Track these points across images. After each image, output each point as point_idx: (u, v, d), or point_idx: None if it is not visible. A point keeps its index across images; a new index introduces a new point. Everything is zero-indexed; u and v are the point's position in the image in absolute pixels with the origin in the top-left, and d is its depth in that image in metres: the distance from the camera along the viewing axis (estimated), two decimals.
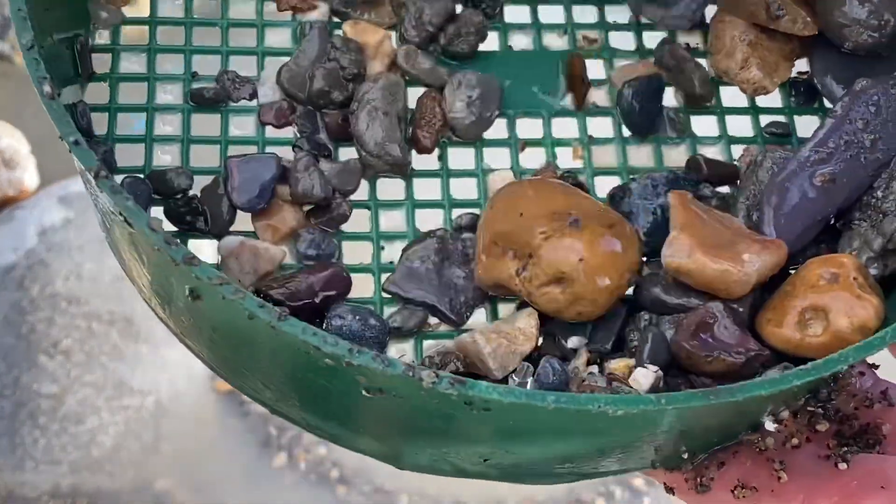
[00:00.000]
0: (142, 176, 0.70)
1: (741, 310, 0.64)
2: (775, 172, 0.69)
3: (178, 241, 0.58)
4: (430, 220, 0.72)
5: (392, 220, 0.71)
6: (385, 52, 0.74)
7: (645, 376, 0.61)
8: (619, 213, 0.68)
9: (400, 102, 0.72)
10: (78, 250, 1.35)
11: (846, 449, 0.59)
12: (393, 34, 0.76)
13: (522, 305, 0.66)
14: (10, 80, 1.49)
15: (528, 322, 0.63)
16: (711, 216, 0.67)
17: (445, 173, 0.73)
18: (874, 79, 0.70)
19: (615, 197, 0.70)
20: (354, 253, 0.70)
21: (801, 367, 0.56)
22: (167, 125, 0.73)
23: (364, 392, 0.54)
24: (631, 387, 0.60)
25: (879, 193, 0.68)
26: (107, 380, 1.33)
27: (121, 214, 0.56)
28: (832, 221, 0.69)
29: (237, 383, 0.64)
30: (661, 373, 0.61)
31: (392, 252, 0.70)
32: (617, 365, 0.62)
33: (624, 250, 0.63)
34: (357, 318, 0.64)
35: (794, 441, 0.60)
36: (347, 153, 0.73)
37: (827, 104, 0.77)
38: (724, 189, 0.73)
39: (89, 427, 1.31)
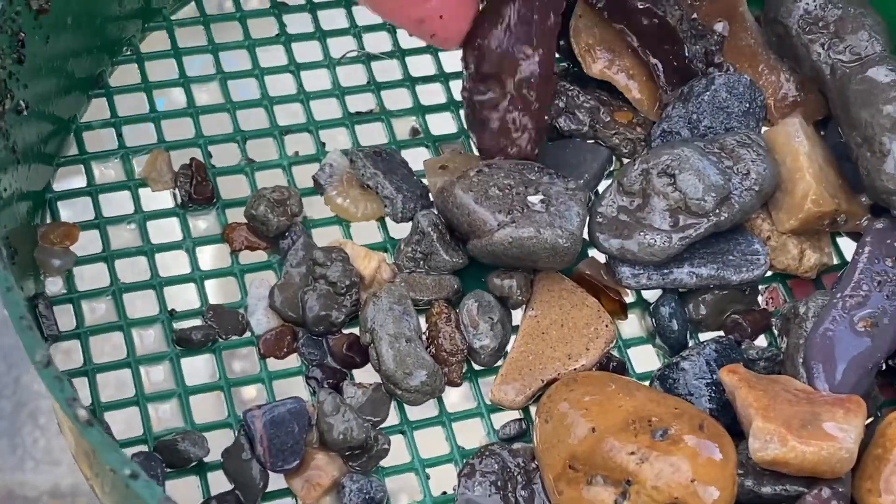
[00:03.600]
0: (147, 448, 0.61)
1: (842, 489, 0.60)
2: (816, 324, 0.65)
3: None
4: (469, 433, 0.65)
5: (430, 441, 0.65)
6: (371, 254, 0.68)
7: None
8: (679, 396, 0.64)
9: (413, 317, 0.65)
10: None
11: None
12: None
13: None
14: None
15: None
16: (775, 386, 0.62)
17: (473, 375, 0.66)
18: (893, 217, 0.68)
19: (666, 379, 0.65)
20: (399, 487, 0.63)
21: None
22: (156, 376, 0.64)
23: None
24: None
25: None
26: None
27: None
28: (884, 366, 0.66)
29: None
30: None
31: (440, 477, 0.63)
32: None
33: (724, 452, 0.58)
34: None
35: None
36: (362, 371, 0.65)
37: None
38: (762, 340, 0.69)
39: None
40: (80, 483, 1.14)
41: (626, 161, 0.73)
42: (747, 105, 0.72)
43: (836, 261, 0.72)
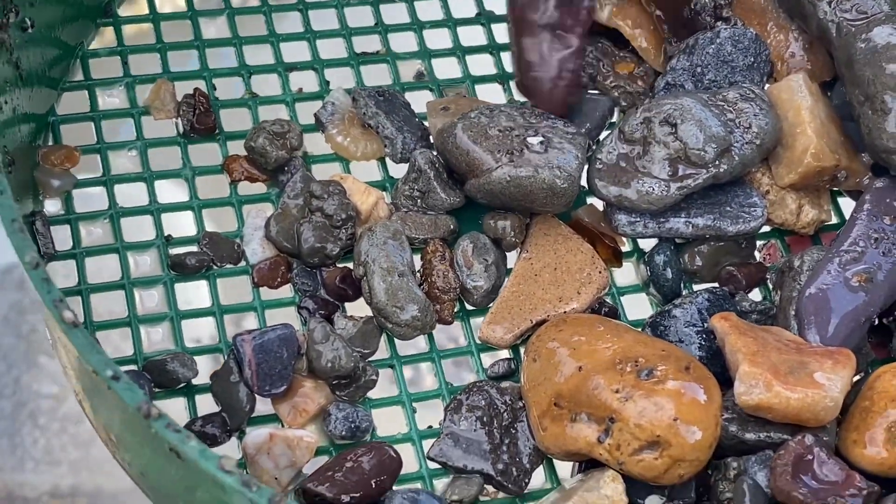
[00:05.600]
0: (137, 367, 0.61)
1: (827, 438, 0.60)
2: (810, 277, 0.65)
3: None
4: (457, 371, 0.65)
5: (419, 376, 0.65)
6: (370, 190, 0.68)
7: None
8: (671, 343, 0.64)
9: (407, 251, 0.65)
10: None
11: None
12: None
13: (590, 461, 0.60)
14: None
15: (614, 489, 0.57)
16: (765, 335, 0.62)
17: (465, 315, 0.66)
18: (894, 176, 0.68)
19: (657, 325, 0.65)
20: (386, 419, 0.63)
21: None
22: (150, 301, 0.65)
23: None
24: None
25: None
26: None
27: (173, 450, 0.48)
28: (877, 321, 0.66)
29: None
30: None
31: (426, 413, 0.64)
32: None
33: (709, 395, 0.58)
34: None
35: None
36: (354, 304, 0.66)
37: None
38: (756, 294, 0.69)
39: (89, 427, 1.26)
40: (81, 483, 1.14)
41: None
42: (752, 59, 0.72)
43: (835, 219, 0.72)
